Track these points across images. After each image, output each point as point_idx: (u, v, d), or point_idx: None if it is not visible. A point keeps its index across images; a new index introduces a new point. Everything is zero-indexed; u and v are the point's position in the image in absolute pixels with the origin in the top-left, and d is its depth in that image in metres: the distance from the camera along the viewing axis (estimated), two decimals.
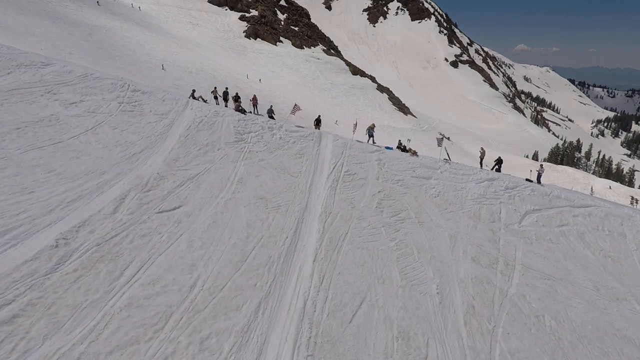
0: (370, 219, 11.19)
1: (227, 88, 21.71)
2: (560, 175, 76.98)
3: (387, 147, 17.71)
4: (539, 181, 17.20)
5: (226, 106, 20.47)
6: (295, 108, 19.35)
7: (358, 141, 16.98)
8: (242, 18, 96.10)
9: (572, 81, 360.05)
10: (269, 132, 14.78)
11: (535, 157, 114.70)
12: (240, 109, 17.46)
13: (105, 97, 12.84)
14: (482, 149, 21.03)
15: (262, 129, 14.82)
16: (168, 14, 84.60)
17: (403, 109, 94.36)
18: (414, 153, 17.43)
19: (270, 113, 19.41)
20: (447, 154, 18.17)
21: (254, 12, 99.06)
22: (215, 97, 22.15)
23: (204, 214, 9.20)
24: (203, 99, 19.54)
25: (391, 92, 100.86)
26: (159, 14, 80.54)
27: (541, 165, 18.31)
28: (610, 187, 71.23)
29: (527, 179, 17.39)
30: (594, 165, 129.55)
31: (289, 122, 17.58)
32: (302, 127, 16.93)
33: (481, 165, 19.64)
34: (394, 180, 13.70)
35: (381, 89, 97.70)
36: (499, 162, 18.50)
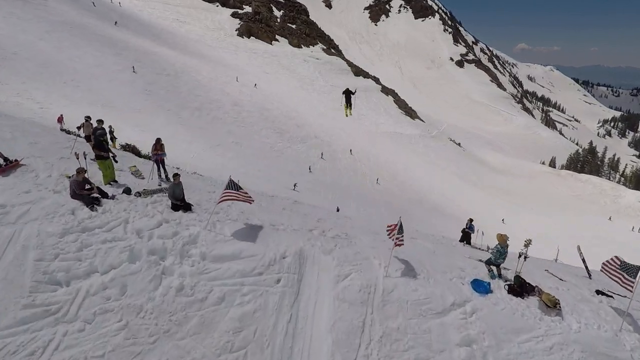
0: None
1: (110, 126, 12.63)
2: (585, 186, 69.65)
3: (478, 286, 7.23)
4: None
5: (111, 157, 8.81)
6: (232, 195, 7.37)
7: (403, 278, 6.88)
8: (234, 15, 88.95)
9: (576, 80, 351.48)
10: (153, 268, 5.43)
11: (552, 164, 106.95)
12: (88, 189, 6.97)
13: None
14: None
15: (137, 261, 5.45)
16: (153, 10, 77.43)
17: (410, 112, 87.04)
18: (555, 303, 6.74)
19: (174, 192, 7.70)
20: (587, 268, 9.07)
21: (247, 9, 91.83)
22: (88, 139, 10.42)
23: None
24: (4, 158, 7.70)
25: (396, 94, 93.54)
26: (142, 11, 73.32)
27: None
28: None
29: None
30: (617, 174, 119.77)
31: (228, 219, 7.75)
32: (255, 249, 6.63)
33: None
34: None
35: (386, 91, 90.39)
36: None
